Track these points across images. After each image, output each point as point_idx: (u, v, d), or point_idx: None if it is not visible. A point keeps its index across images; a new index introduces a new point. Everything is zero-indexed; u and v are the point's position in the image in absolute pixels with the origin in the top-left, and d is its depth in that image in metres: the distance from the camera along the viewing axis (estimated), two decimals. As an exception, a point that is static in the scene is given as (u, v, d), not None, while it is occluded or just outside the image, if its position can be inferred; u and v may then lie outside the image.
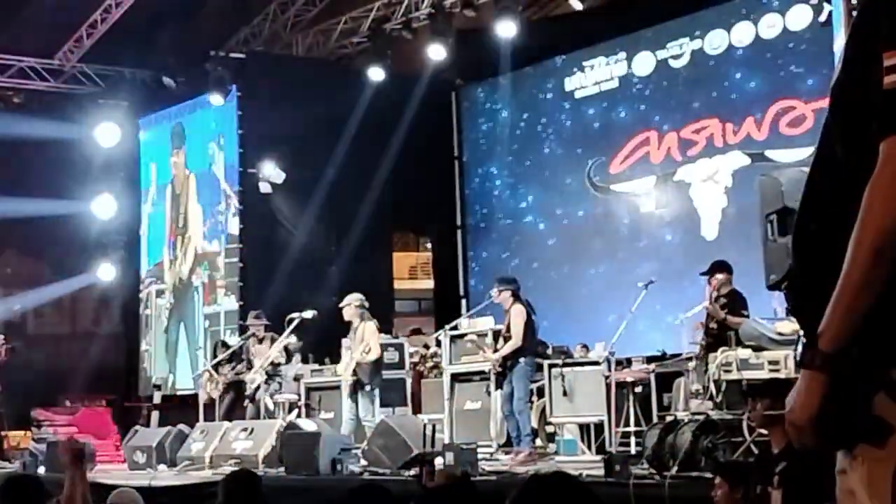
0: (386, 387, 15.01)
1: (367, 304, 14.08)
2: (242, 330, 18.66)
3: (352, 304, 14.00)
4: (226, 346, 17.78)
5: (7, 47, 20.97)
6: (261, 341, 15.78)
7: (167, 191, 22.22)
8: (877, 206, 2.07)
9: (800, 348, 2.23)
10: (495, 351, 13.23)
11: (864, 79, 2.16)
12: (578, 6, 17.46)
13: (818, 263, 2.23)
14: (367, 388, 13.83)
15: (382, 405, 14.74)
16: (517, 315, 13.02)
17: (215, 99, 20.07)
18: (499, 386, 13.48)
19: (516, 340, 12.93)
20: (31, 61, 21.58)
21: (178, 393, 20.76)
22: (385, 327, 17.19)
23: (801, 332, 2.27)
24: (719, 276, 12.09)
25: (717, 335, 11.45)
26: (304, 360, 16.62)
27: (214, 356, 17.66)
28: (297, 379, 16.07)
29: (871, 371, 2.12)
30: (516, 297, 13.21)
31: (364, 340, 13.75)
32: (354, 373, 13.73)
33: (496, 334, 13.71)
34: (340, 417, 14.12)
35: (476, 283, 20.77)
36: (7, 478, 7.30)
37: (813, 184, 2.31)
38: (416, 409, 15.33)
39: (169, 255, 22.06)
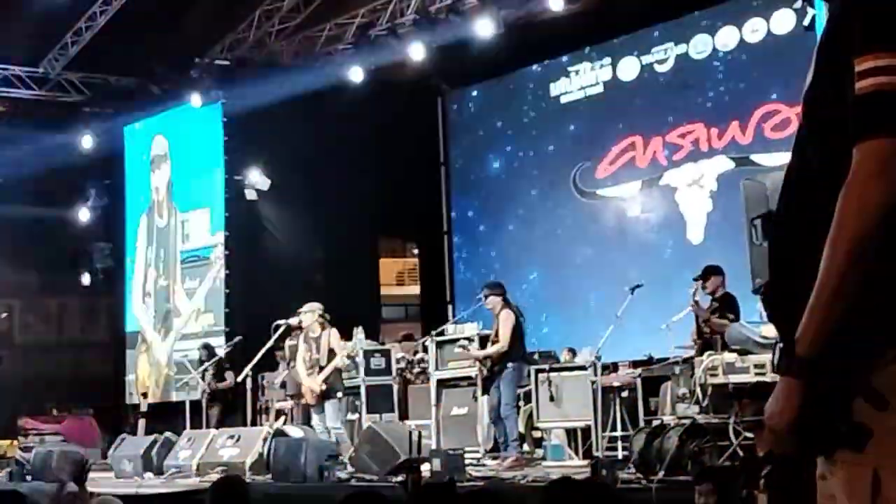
0: (373, 393, 15.02)
1: (327, 316, 14.11)
2: (228, 336, 18.64)
3: (315, 312, 13.99)
4: (208, 349, 17.73)
5: (-9, 55, 20.95)
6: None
7: (152, 197, 22.17)
8: (850, 212, 2.07)
9: (777, 354, 2.24)
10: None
11: (836, 85, 2.17)
12: (559, 6, 17.42)
13: (794, 270, 2.23)
14: (339, 394, 13.87)
15: (369, 411, 14.75)
16: (506, 320, 13.06)
17: (195, 100, 20.04)
18: (485, 391, 13.49)
19: (503, 344, 12.95)
20: (15, 69, 21.53)
21: (169, 400, 20.69)
22: (372, 333, 17.22)
23: (780, 339, 2.28)
24: (715, 279, 12.11)
25: (710, 338, 11.47)
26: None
27: (200, 361, 17.64)
28: (283, 386, 16.05)
29: (849, 376, 2.13)
30: (505, 301, 13.26)
31: (331, 347, 13.78)
32: (325, 381, 13.72)
33: (483, 339, 13.71)
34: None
35: (462, 289, 20.76)
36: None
37: (788, 190, 2.31)
38: (403, 416, 15.32)
39: (156, 260, 21.99)
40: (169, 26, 19.29)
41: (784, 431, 2.18)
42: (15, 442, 18.95)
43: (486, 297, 13.35)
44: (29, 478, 14.48)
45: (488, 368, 13.18)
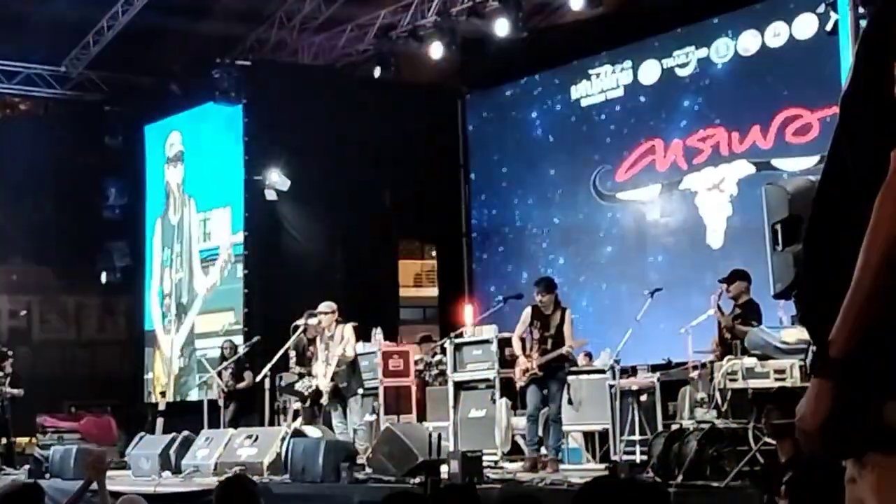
0: (391, 394, 15.02)
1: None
2: (246, 336, 18.68)
3: (335, 312, 13.99)
4: (232, 344, 17.81)
5: (14, 54, 21.03)
6: (311, 341, 14.81)
7: (171, 197, 22.24)
8: (887, 215, 2.07)
9: (810, 356, 2.24)
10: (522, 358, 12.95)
11: (874, 89, 2.15)
12: (580, 8, 17.42)
13: (829, 272, 2.23)
14: (360, 391, 13.86)
15: (387, 413, 14.75)
16: (570, 318, 12.88)
17: (215, 95, 20.08)
18: (504, 394, 13.44)
19: (569, 343, 12.80)
20: (38, 68, 21.65)
21: (187, 399, 20.76)
22: (390, 335, 17.21)
23: (811, 341, 2.27)
24: (739, 284, 12.03)
25: (731, 343, 11.43)
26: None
27: (222, 357, 17.70)
28: (291, 388, 16.03)
29: (882, 379, 2.12)
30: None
31: (344, 340, 13.74)
32: (334, 378, 13.69)
33: (502, 342, 13.67)
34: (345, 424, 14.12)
35: (481, 292, 20.75)
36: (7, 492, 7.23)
37: (823, 193, 2.30)
38: (421, 417, 15.32)
39: (175, 259, 22.07)
40: (190, 26, 19.35)
41: (815, 433, 2.17)
42: (34, 439, 19.01)
43: (546, 294, 12.93)
44: (48, 475, 14.54)
45: (542, 367, 12.78)
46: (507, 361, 13.77)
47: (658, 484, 9.24)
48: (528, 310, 13.06)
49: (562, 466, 12.88)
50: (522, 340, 12.97)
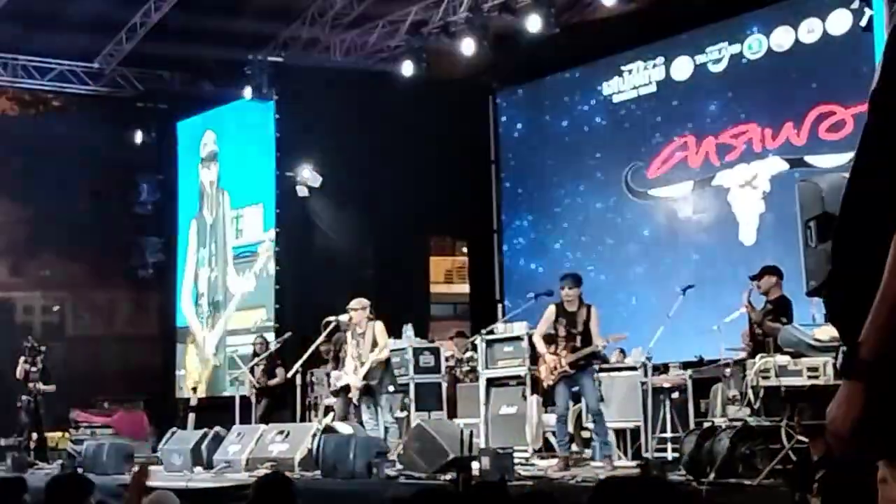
0: (421, 391, 15.02)
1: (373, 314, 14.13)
2: (278, 332, 18.72)
3: (366, 308, 14.01)
4: (264, 340, 17.86)
5: (48, 51, 21.14)
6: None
7: (205, 197, 22.32)
8: (918, 213, 2.04)
9: (840, 357, 2.20)
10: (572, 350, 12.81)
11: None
12: (613, 4, 17.36)
13: (859, 271, 2.20)
14: (391, 388, 13.87)
15: (418, 409, 14.75)
16: (596, 315, 12.82)
17: (246, 92, 20.13)
18: (534, 390, 13.40)
19: (598, 341, 12.72)
20: (71, 65, 21.75)
21: (219, 395, 20.83)
22: (421, 331, 17.21)
23: (841, 341, 2.24)
24: (769, 279, 11.97)
25: (763, 340, 11.37)
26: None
27: (254, 353, 17.75)
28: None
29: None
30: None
31: (381, 345, 13.76)
32: (366, 376, 13.70)
33: (531, 338, 13.63)
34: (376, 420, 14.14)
35: (512, 288, 20.72)
36: (53, 477, 7.26)
37: (852, 190, 2.28)
38: (452, 414, 15.31)
39: (210, 258, 22.15)
40: (222, 23, 19.39)
41: (846, 435, 2.15)
42: (67, 434, 19.12)
43: (571, 288, 12.81)
44: (80, 470, 14.60)
45: (572, 365, 12.64)
46: (538, 358, 13.71)
47: (673, 483, 9.20)
48: (552, 308, 12.98)
49: (593, 464, 12.84)
50: (550, 337, 12.87)
